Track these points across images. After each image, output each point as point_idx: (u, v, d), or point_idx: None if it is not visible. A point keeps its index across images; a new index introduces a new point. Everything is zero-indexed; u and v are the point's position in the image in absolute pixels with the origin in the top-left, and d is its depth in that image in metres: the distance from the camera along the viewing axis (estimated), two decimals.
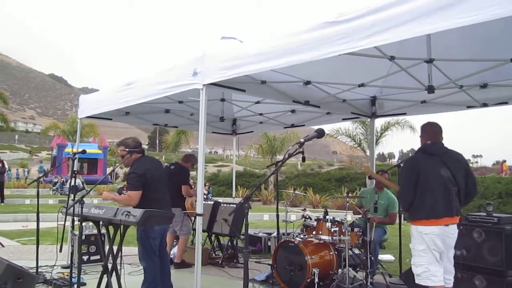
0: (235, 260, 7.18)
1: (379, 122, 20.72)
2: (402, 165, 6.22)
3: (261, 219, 15.33)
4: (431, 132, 4.22)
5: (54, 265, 5.75)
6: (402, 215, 6.25)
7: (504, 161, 32.93)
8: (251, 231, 8.92)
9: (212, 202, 7.98)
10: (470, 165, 4.41)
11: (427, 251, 3.90)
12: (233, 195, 10.10)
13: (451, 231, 3.94)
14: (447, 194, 3.93)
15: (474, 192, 4.19)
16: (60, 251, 5.39)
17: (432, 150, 4.13)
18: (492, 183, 19.17)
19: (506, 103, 5.73)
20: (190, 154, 7.34)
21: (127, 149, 4.77)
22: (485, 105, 5.88)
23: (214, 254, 7.57)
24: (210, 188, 25.18)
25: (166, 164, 7.76)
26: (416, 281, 4.01)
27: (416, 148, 4.37)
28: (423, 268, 3.92)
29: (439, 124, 4.25)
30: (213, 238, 7.86)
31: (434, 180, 3.96)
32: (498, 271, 4.62)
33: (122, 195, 4.98)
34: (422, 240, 3.91)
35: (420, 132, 4.31)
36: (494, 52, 4.55)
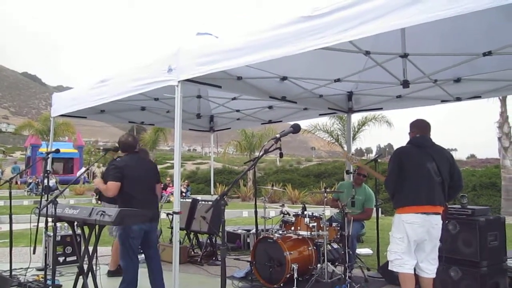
0: (214, 258, 7.14)
1: (356, 117, 20.93)
2: (379, 159, 6.33)
3: (240, 216, 15.32)
4: (420, 127, 4.43)
5: (28, 268, 5.62)
6: (380, 209, 6.32)
7: None
8: (230, 228, 8.90)
9: (190, 200, 7.92)
10: None
11: (404, 240, 4.08)
12: (212, 192, 10.07)
13: (435, 221, 4.08)
14: (430, 184, 4.12)
15: (460, 185, 4.36)
16: (34, 253, 5.28)
17: (419, 142, 4.34)
18: (466, 176, 19.61)
19: (479, 97, 5.84)
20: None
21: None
22: (458, 99, 5.98)
23: (193, 252, 7.52)
24: (189, 186, 25.04)
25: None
26: (389, 267, 4.24)
27: (393, 143, 4.50)
28: (396, 255, 4.13)
29: (428, 121, 4.45)
30: (191, 236, 7.81)
31: (419, 170, 4.15)
32: (473, 262, 4.71)
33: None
34: (403, 228, 4.08)
35: (410, 128, 4.52)
36: (467, 46, 4.61)
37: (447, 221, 4.66)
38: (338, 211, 6.41)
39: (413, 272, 4.10)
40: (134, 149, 4.99)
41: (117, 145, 4.98)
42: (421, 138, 4.36)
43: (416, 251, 4.14)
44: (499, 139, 16.40)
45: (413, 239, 4.05)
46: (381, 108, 7.04)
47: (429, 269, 4.16)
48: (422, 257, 4.16)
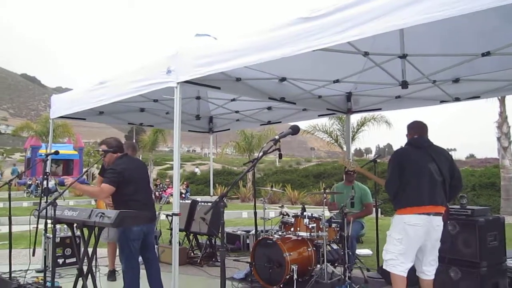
0: (213, 259, 7.14)
1: (355, 118, 20.93)
2: (378, 159, 6.32)
3: (239, 217, 15.32)
4: (418, 128, 4.42)
5: (28, 269, 5.61)
6: (379, 209, 6.32)
7: None
8: (229, 229, 8.90)
9: (189, 201, 7.91)
10: None
11: (402, 241, 4.03)
12: (211, 194, 10.08)
13: (436, 223, 4.05)
14: (432, 184, 4.09)
15: (460, 185, 4.35)
16: (33, 255, 5.26)
17: (418, 143, 4.33)
18: (465, 176, 19.58)
19: (478, 97, 5.84)
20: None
21: (108, 148, 4.72)
22: (457, 99, 5.99)
23: (192, 254, 7.52)
24: (188, 187, 25.04)
25: None
26: (383, 266, 4.22)
27: (392, 143, 4.48)
28: (392, 255, 4.08)
29: (425, 123, 4.44)
30: (191, 237, 7.80)
31: (420, 170, 4.13)
32: (473, 262, 4.70)
33: (93, 186, 4.88)
34: (403, 230, 4.02)
35: (407, 130, 4.50)
36: (466, 47, 4.61)
37: (448, 221, 4.65)
38: (337, 211, 6.41)
39: (405, 275, 4.03)
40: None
41: (118, 146, 4.89)
42: (419, 139, 4.35)
43: (417, 253, 4.12)
44: (498, 139, 16.38)
45: (414, 241, 4.01)
46: (380, 109, 7.05)
47: (429, 271, 4.15)
48: (422, 259, 4.15)
